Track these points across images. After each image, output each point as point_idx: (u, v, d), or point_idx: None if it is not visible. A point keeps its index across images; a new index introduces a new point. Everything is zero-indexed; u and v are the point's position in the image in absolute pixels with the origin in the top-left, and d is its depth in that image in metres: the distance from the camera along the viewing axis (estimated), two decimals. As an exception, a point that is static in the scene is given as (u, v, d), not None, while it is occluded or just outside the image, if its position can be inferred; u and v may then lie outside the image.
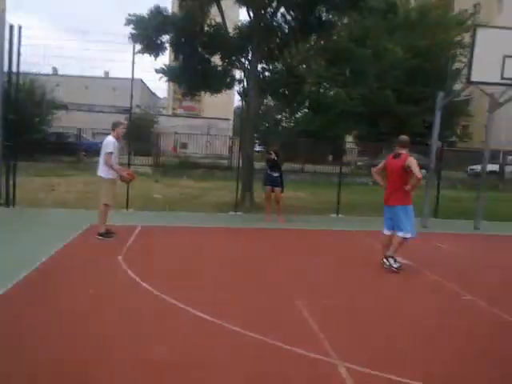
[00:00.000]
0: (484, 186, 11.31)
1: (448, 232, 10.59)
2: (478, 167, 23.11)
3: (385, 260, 6.71)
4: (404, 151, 6.68)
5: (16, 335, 3.89)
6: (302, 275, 6.34)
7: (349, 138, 39.85)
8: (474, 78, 9.66)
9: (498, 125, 38.60)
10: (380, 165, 7.05)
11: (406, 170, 6.52)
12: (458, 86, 24.52)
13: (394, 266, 6.60)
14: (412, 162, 6.47)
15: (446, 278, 6.38)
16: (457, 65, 31.56)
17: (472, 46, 9.71)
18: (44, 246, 7.02)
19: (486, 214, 12.29)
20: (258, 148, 33.63)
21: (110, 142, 7.77)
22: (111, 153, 7.70)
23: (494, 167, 28.76)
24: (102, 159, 7.84)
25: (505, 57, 9.37)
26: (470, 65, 9.64)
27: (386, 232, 6.89)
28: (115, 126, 7.98)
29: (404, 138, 6.82)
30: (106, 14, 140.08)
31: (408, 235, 6.58)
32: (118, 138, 7.98)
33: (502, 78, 9.53)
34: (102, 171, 7.85)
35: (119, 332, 4.08)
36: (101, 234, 7.85)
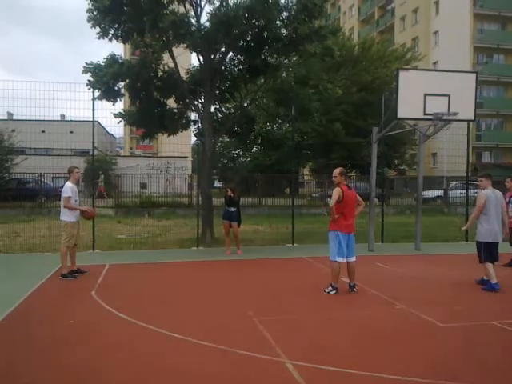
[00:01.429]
0: (420, 210, 12.46)
1: (391, 254, 11.64)
2: (424, 193, 24.54)
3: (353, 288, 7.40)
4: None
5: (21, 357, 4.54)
6: (259, 297, 7.17)
7: (305, 171, 41.40)
8: (400, 115, 10.80)
9: (440, 153, 40.62)
10: (336, 197, 7.05)
11: None
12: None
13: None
14: None
15: (384, 292, 7.31)
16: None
17: (396, 85, 10.83)
18: (19, 288, 7.55)
19: (429, 236, 13.49)
20: (217, 184, 34.50)
21: (67, 188, 8.51)
22: (69, 197, 8.42)
23: (440, 193, 30.49)
24: (61, 204, 8.54)
25: (425, 95, 10.58)
26: (396, 102, 10.73)
27: (343, 260, 7.27)
28: (70, 171, 8.73)
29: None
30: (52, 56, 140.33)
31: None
32: (75, 183, 8.70)
33: (425, 114, 10.71)
34: (63, 215, 8.53)
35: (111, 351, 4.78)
36: (64, 275, 8.43)
